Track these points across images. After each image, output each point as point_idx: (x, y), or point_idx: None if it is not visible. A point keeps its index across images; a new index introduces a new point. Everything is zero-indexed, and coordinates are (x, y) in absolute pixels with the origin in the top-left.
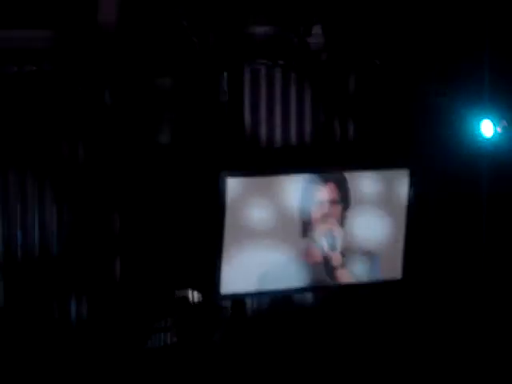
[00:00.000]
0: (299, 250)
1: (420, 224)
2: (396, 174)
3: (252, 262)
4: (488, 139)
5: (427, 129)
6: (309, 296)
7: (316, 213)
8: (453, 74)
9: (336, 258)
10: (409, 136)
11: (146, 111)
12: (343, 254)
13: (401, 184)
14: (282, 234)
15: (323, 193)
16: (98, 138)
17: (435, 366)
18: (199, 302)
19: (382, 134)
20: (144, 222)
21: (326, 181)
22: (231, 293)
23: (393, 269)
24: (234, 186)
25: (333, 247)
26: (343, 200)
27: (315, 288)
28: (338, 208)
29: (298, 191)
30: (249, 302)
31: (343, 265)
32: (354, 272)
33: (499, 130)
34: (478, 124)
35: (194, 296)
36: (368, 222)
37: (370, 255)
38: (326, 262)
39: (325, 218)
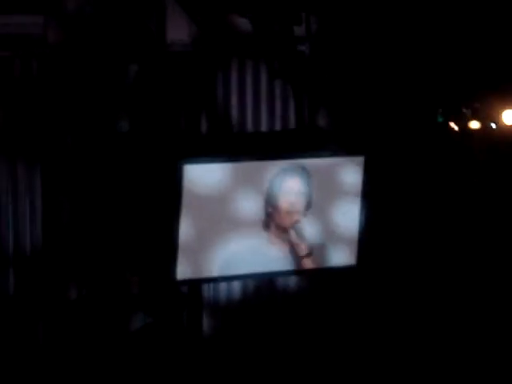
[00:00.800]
0: (262, 239)
1: (374, 211)
2: (351, 160)
3: (212, 249)
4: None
5: (383, 115)
6: (273, 283)
7: (283, 203)
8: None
9: (302, 248)
10: (365, 123)
11: (107, 99)
12: (309, 243)
13: (356, 171)
14: (244, 222)
15: (290, 184)
16: (57, 125)
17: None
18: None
19: (338, 121)
20: (101, 209)
21: (291, 172)
22: (188, 278)
23: (348, 255)
24: (192, 172)
25: (300, 237)
26: (307, 191)
27: (273, 273)
28: (303, 199)
29: (263, 179)
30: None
31: (309, 254)
32: (318, 260)
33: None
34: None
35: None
36: (327, 210)
37: (331, 243)
38: (292, 250)
39: (291, 208)
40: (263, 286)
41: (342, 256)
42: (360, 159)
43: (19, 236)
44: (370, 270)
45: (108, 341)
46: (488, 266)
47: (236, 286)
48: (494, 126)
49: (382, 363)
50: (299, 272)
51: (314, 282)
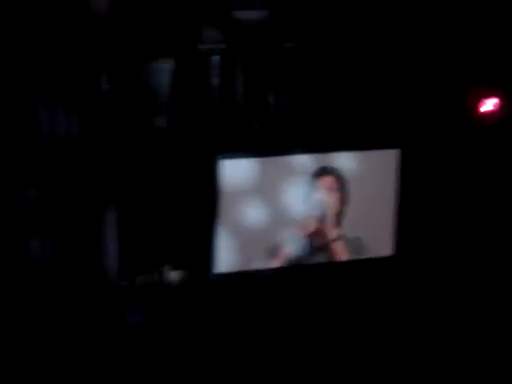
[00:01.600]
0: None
1: (411, 203)
2: (387, 154)
3: (247, 242)
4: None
5: (419, 108)
6: (304, 272)
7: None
8: (447, 52)
9: (331, 232)
10: (400, 115)
11: (142, 95)
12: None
13: (391, 164)
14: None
15: (323, 182)
16: (95, 121)
17: (429, 347)
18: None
19: (372, 114)
20: (139, 205)
21: (324, 171)
22: (224, 272)
23: (384, 246)
24: (228, 167)
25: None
26: (342, 189)
27: (309, 266)
28: (337, 196)
29: (297, 174)
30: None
31: (339, 238)
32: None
33: (494, 107)
34: (472, 102)
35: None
36: (364, 202)
37: (369, 234)
38: (322, 234)
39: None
40: (299, 276)
41: (380, 247)
42: (396, 152)
43: None
44: (408, 261)
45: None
46: None
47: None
48: None
49: (419, 353)
50: (339, 264)
51: (353, 274)
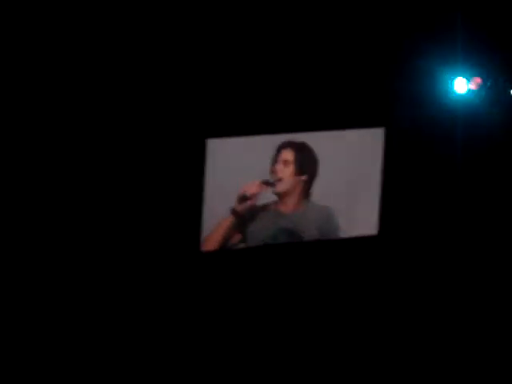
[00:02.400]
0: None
1: (395, 182)
2: (371, 132)
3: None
4: (461, 96)
5: (402, 87)
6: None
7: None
8: (426, 33)
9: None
10: (384, 95)
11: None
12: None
13: (376, 143)
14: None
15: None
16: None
17: (412, 326)
18: None
19: (357, 93)
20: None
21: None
22: (212, 250)
23: (369, 225)
24: (215, 146)
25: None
26: (300, 162)
27: (291, 244)
28: (293, 168)
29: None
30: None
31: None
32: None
33: (473, 87)
34: (452, 81)
35: None
36: (342, 180)
37: (353, 214)
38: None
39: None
40: (284, 254)
41: (363, 226)
42: (380, 131)
43: None
44: (391, 240)
45: None
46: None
47: (256, 254)
48: None
49: (401, 332)
50: (322, 242)
51: (337, 252)
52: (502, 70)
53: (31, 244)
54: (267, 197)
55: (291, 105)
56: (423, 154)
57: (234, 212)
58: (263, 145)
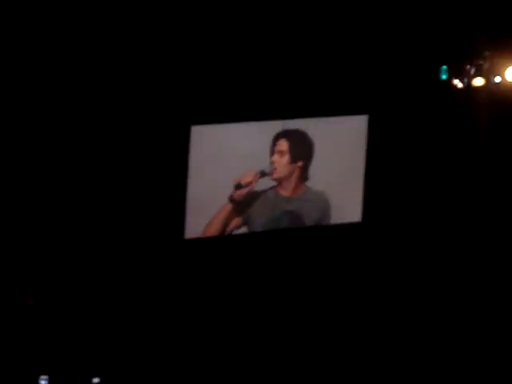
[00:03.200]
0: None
1: (379, 168)
2: (355, 119)
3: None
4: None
5: (386, 74)
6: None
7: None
8: (412, 20)
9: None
10: (368, 82)
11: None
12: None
13: (360, 130)
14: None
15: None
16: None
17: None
18: None
19: (341, 80)
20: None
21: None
22: (196, 237)
23: (353, 212)
24: (200, 133)
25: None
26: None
27: (277, 231)
28: (288, 157)
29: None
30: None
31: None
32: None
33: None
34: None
35: None
36: (332, 168)
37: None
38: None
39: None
40: (270, 241)
41: (347, 213)
42: (364, 118)
43: None
44: (375, 227)
45: None
46: (488, 229)
47: (244, 241)
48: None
49: (386, 320)
50: (306, 228)
51: (322, 239)
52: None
53: (21, 232)
54: (266, 183)
55: (278, 92)
56: (406, 141)
57: (231, 199)
58: (250, 131)
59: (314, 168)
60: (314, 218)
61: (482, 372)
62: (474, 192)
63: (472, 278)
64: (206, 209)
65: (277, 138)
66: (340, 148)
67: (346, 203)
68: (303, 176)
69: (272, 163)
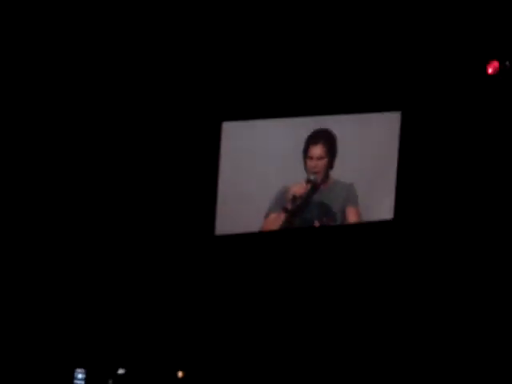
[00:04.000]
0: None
1: (412, 166)
2: (388, 116)
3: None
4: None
5: (420, 70)
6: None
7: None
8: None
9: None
10: (401, 78)
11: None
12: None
13: (393, 127)
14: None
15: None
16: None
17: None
18: None
19: (374, 77)
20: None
21: (316, 138)
22: (226, 233)
23: (385, 210)
24: (230, 129)
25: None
26: (330, 152)
27: (307, 229)
28: (326, 161)
29: (298, 136)
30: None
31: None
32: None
33: (491, 71)
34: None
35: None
36: (360, 164)
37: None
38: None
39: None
40: (299, 239)
41: (379, 210)
42: (397, 115)
43: None
44: (407, 225)
45: None
46: None
47: (273, 238)
48: None
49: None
50: (339, 226)
51: (353, 236)
52: None
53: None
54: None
55: (307, 88)
56: (440, 140)
57: (286, 210)
58: (280, 128)
59: (343, 165)
60: (340, 209)
61: (485, 372)
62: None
63: (500, 279)
64: (236, 205)
65: (311, 142)
66: (370, 145)
67: (376, 200)
68: (330, 165)
69: (311, 168)
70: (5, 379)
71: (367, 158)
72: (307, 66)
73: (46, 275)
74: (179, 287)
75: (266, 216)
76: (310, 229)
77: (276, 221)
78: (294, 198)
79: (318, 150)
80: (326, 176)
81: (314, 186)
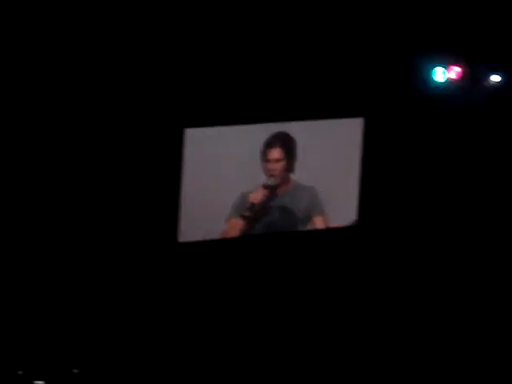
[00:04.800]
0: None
1: (374, 171)
2: (350, 122)
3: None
4: (440, 85)
5: (380, 76)
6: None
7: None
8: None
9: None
10: (363, 85)
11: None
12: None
13: (355, 133)
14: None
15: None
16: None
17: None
18: None
19: (336, 83)
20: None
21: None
22: (189, 241)
23: (347, 215)
24: (193, 136)
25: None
26: (289, 154)
27: (271, 234)
28: (284, 164)
29: (257, 142)
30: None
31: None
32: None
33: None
34: (430, 71)
35: None
36: (323, 169)
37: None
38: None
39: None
40: (263, 246)
41: (342, 217)
42: (359, 121)
43: None
44: (370, 230)
45: None
46: (485, 230)
47: (238, 246)
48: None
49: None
50: (302, 232)
51: (317, 242)
52: (481, 56)
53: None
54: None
55: (271, 95)
56: (402, 144)
57: (244, 217)
58: (243, 135)
59: (302, 171)
60: (303, 212)
61: (482, 372)
62: (469, 195)
63: (468, 280)
64: (199, 211)
65: (269, 145)
66: (333, 151)
67: (339, 205)
68: (290, 168)
69: (268, 170)
70: None
71: (329, 163)
72: (271, 74)
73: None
74: (142, 295)
75: (227, 221)
76: (274, 234)
77: (236, 226)
78: (252, 205)
79: (275, 153)
80: (286, 179)
81: (273, 191)
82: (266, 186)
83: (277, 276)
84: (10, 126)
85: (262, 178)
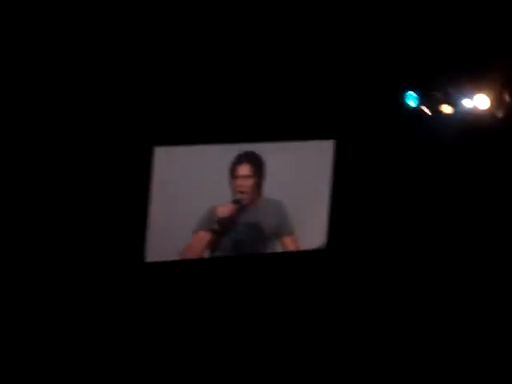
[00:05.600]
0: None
1: (345, 196)
2: (321, 144)
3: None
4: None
5: (352, 99)
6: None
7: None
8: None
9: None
10: (335, 107)
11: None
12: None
13: (326, 155)
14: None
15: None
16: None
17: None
18: None
19: (308, 105)
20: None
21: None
22: (156, 261)
23: (317, 239)
24: (162, 154)
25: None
26: (258, 173)
27: (240, 257)
28: (253, 181)
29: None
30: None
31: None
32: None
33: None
34: (403, 95)
35: None
36: (292, 192)
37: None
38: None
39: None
40: (231, 267)
41: (312, 239)
42: (330, 143)
43: None
44: (340, 253)
45: None
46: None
47: (207, 267)
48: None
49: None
50: (273, 254)
51: (286, 265)
52: (451, 81)
53: None
54: None
55: (241, 115)
56: (373, 167)
57: (212, 231)
58: (213, 154)
59: (274, 191)
60: (272, 228)
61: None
62: (441, 219)
63: (441, 306)
64: (167, 231)
65: (237, 162)
66: (303, 173)
67: (310, 228)
68: (258, 186)
69: (237, 187)
70: None
71: (300, 185)
72: (242, 94)
73: None
74: (108, 314)
75: (194, 234)
76: (245, 256)
77: (203, 239)
78: (220, 219)
79: (244, 169)
80: (255, 196)
81: (241, 206)
82: (234, 201)
83: (244, 297)
84: None
85: (231, 197)
